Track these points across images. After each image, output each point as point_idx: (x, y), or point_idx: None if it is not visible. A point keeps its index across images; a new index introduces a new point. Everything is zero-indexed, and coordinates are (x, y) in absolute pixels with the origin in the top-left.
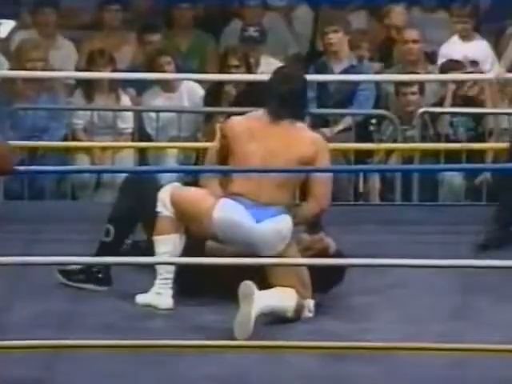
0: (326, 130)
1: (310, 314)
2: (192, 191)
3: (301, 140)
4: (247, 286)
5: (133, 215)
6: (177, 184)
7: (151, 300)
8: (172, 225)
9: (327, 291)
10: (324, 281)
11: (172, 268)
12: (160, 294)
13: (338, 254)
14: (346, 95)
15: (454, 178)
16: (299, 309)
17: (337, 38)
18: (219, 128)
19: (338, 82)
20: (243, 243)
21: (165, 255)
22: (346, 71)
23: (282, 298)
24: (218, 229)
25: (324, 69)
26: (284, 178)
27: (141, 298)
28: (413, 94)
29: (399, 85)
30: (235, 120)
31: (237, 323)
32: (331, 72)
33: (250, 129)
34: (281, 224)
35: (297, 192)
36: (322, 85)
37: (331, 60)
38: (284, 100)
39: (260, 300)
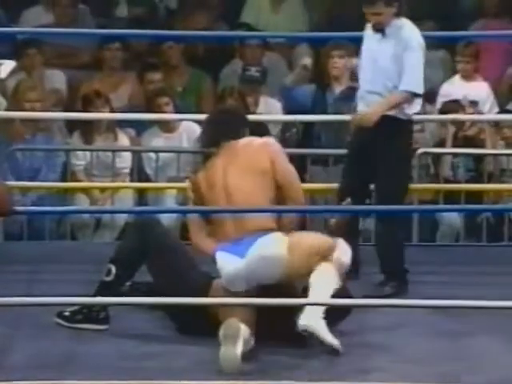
0: None
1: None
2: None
3: (252, 154)
4: (232, 323)
5: (136, 258)
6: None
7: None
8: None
9: (335, 326)
10: (331, 316)
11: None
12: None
13: (344, 290)
14: None
15: (453, 219)
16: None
17: (341, 63)
18: (189, 182)
19: (337, 106)
20: (247, 283)
21: None
22: (345, 91)
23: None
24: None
25: (324, 89)
26: (257, 202)
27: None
28: (419, 131)
29: None
30: (198, 175)
31: (224, 358)
32: (331, 92)
33: (207, 176)
34: (267, 249)
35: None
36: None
37: (331, 82)
38: (220, 128)
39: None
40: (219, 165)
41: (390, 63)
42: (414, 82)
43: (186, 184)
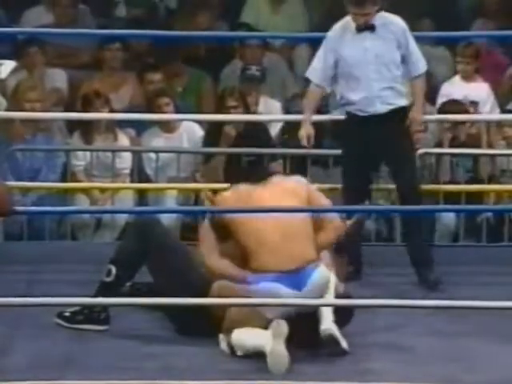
0: None
1: None
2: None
3: (291, 191)
4: (281, 323)
5: (136, 258)
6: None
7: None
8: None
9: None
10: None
11: None
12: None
13: (346, 296)
14: None
15: (448, 218)
16: None
17: None
18: (209, 202)
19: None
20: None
21: None
22: None
23: None
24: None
25: None
26: (300, 233)
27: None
28: (422, 132)
29: None
30: (225, 195)
31: (273, 359)
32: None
33: (244, 202)
34: (326, 280)
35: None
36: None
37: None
38: (253, 163)
39: None
40: (261, 198)
41: (395, 53)
42: (423, 61)
43: (208, 197)
